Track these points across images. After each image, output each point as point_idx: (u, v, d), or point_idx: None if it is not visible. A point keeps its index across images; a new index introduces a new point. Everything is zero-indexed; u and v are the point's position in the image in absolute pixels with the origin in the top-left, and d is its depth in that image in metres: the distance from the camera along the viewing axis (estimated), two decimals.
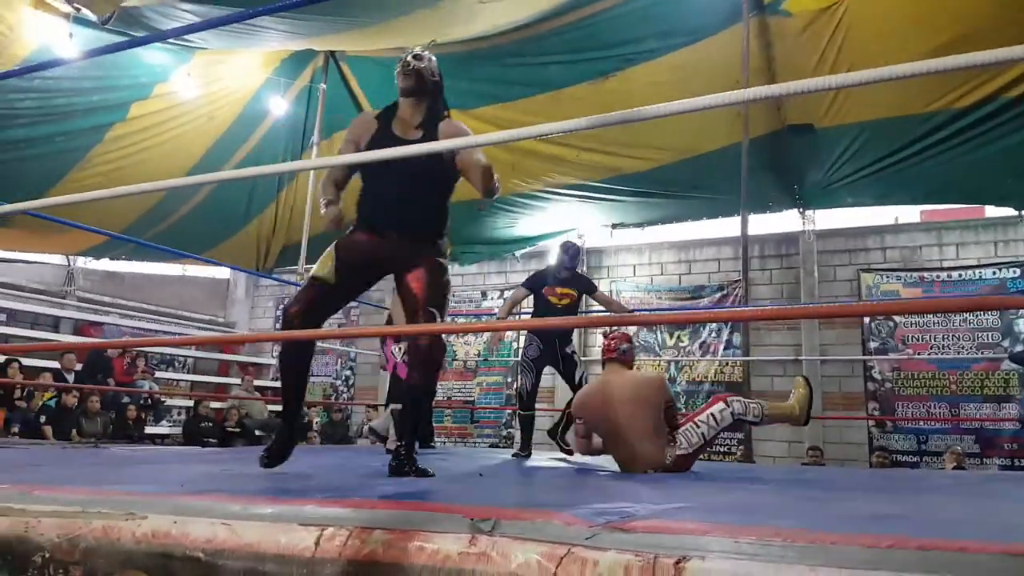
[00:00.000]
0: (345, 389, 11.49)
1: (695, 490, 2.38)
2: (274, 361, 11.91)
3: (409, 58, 2.68)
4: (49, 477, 2.27)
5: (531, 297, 4.68)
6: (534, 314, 4.77)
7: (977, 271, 7.99)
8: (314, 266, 2.60)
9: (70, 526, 1.59)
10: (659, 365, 8.97)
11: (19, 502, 1.66)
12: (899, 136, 6.18)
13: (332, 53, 7.16)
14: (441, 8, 5.44)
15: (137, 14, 5.27)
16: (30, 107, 6.09)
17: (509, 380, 10.01)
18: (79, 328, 9.84)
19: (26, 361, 7.42)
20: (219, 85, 7.02)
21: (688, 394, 8.71)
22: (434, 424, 6.61)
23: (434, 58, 2.76)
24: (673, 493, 2.24)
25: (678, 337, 8.96)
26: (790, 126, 6.58)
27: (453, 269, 10.66)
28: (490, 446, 9.83)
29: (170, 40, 5.83)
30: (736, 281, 8.25)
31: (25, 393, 7.11)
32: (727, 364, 8.49)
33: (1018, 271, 7.78)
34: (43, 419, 6.95)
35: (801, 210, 7.85)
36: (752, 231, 7.22)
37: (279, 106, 7.37)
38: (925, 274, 8.19)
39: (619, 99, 6.39)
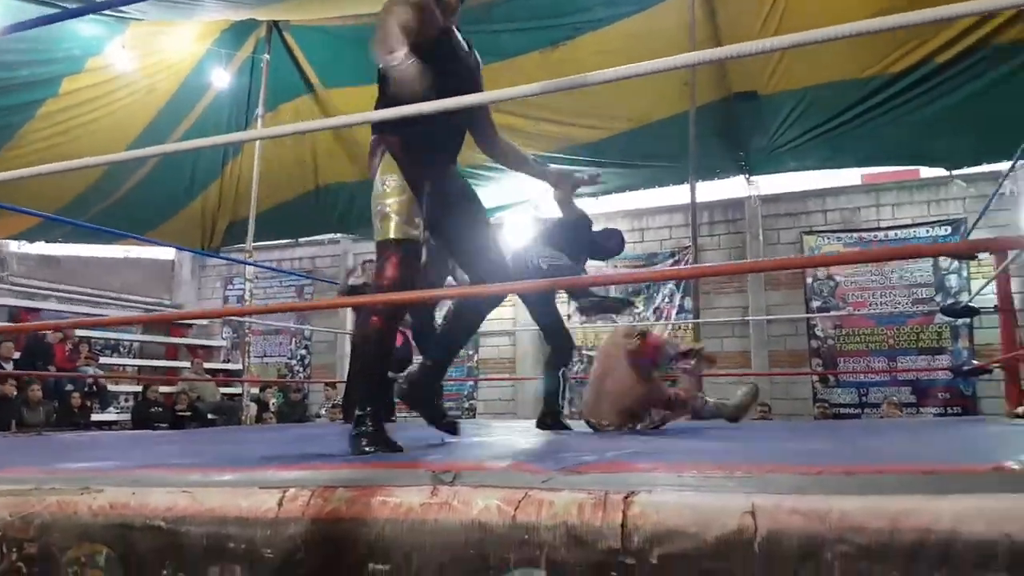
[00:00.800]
0: (301, 368, 11.40)
1: (647, 440, 2.48)
2: (224, 343, 11.73)
3: None
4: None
5: None
6: None
7: (912, 230, 8.33)
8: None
9: (23, 504, 1.56)
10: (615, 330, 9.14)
11: None
12: (838, 101, 6.35)
13: (275, 23, 6.98)
14: None
15: None
16: None
17: (470, 352, 10.07)
18: (15, 315, 9.50)
19: None
20: (157, 57, 6.79)
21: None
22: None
23: None
24: (627, 442, 2.34)
25: (633, 303, 9.13)
26: (736, 93, 6.70)
27: None
28: (456, 418, 9.91)
29: (103, 11, 5.61)
30: (687, 247, 8.43)
31: None
32: (679, 327, 8.71)
33: (949, 228, 8.13)
34: None
35: (747, 176, 8.03)
36: (701, 198, 7.35)
37: (221, 78, 7.17)
38: (864, 234, 8.50)
39: (570, 67, 6.36)
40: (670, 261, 8.97)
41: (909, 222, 8.37)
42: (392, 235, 2.17)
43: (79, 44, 6.14)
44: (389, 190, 2.20)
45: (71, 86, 6.43)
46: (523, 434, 3.46)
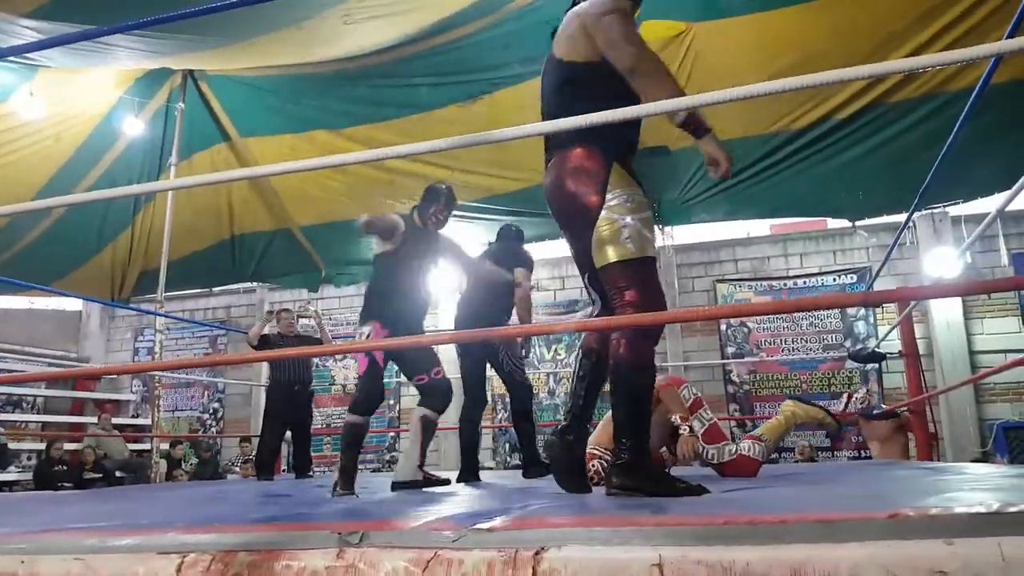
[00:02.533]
0: (214, 423, 10.94)
1: (559, 492, 2.48)
2: (134, 397, 11.17)
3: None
4: None
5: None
6: None
7: (819, 278, 8.79)
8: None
9: None
10: (538, 378, 9.18)
11: None
12: (745, 156, 6.68)
13: (191, 72, 6.88)
14: (305, 27, 5.38)
15: None
16: None
17: (391, 402, 9.90)
18: None
19: None
20: (66, 105, 6.56)
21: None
22: (312, 453, 6.43)
23: None
24: (542, 493, 2.33)
25: (555, 350, 9.23)
26: (647, 148, 6.97)
27: (329, 291, 10.43)
28: (373, 471, 9.66)
29: (10, 58, 5.40)
30: None
31: None
32: None
33: (855, 276, 8.62)
34: None
35: (661, 226, 8.31)
36: None
37: (133, 126, 6.98)
38: (774, 283, 8.91)
39: (487, 121, 6.56)
40: (589, 309, 9.12)
41: (816, 270, 8.83)
42: (650, 253, 2.14)
43: None
44: (634, 205, 2.17)
45: None
46: (439, 488, 3.42)
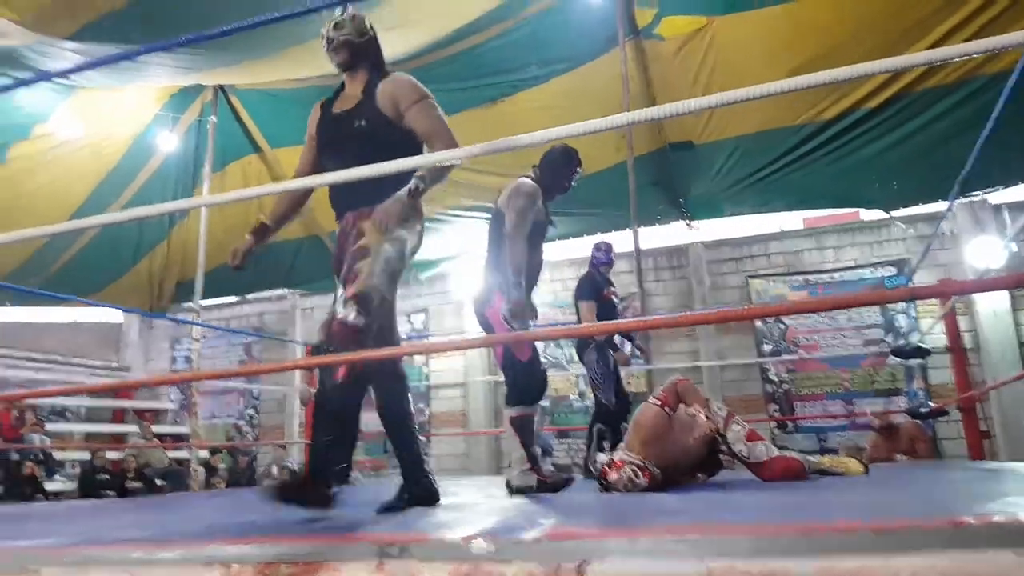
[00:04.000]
0: (250, 429, 11.09)
1: (601, 500, 2.46)
2: (172, 405, 11.38)
3: (330, 31, 2.53)
4: None
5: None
6: (599, 318, 4.70)
7: (856, 271, 8.60)
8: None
9: None
10: (569, 380, 9.15)
11: None
12: (772, 148, 6.59)
13: (221, 87, 7.00)
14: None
15: (15, 53, 5.02)
16: None
17: (421, 406, 9.93)
18: None
19: None
20: (104, 122, 6.73)
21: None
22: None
23: (357, 15, 2.59)
24: (581, 504, 2.31)
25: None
26: (671, 144, 6.91)
27: None
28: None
29: (51, 79, 5.56)
30: (633, 293, 8.56)
31: None
32: (631, 374, 8.75)
33: (894, 269, 8.43)
34: None
35: (688, 222, 8.22)
36: (645, 244, 7.52)
37: (168, 141, 7.12)
38: (809, 277, 8.75)
39: (509, 123, 6.56)
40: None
41: (853, 263, 8.64)
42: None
43: (25, 111, 6.06)
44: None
45: (17, 153, 6.32)
46: (478, 496, 3.40)
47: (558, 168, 3.56)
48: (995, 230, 7.94)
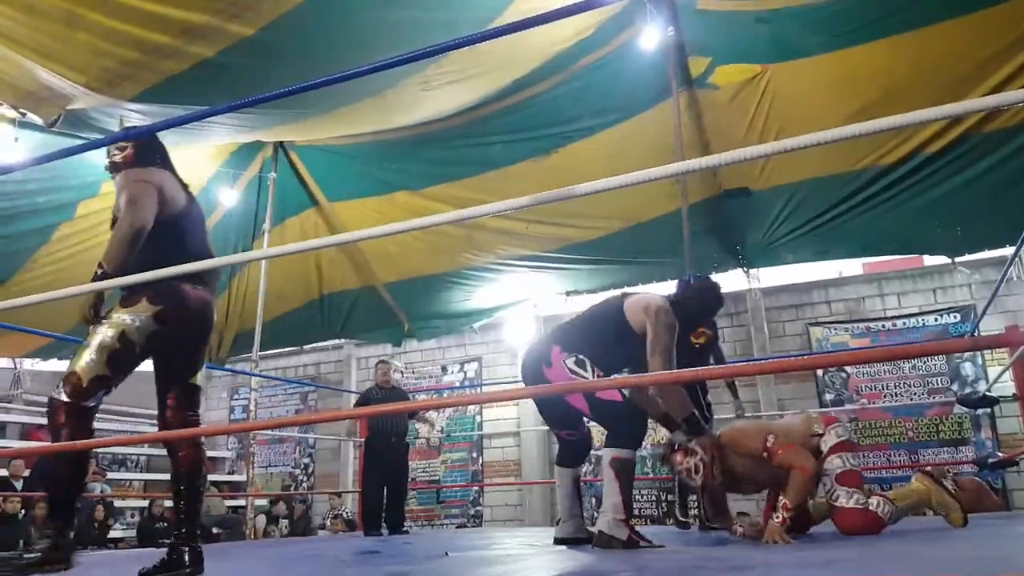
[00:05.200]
0: (305, 478, 11.17)
1: (656, 559, 2.37)
2: (229, 454, 11.59)
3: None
4: None
5: None
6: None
7: (919, 318, 8.29)
8: None
9: None
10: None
11: None
12: (831, 194, 6.48)
13: (281, 143, 7.29)
14: (386, 96, 5.62)
15: (84, 116, 5.31)
16: None
17: (474, 455, 9.87)
18: (27, 432, 9.45)
19: None
20: None
21: (654, 457, 8.71)
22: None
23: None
24: (655, 557, 2.23)
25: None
26: (727, 191, 6.86)
27: (412, 344, 10.61)
28: (457, 527, 9.60)
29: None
30: None
31: None
32: None
33: (958, 316, 8.10)
34: None
35: (745, 269, 8.09)
36: None
37: (230, 196, 7.41)
38: (871, 324, 8.47)
39: (562, 174, 6.62)
40: None
41: (916, 310, 8.35)
42: None
43: (94, 170, 6.36)
44: None
45: (86, 210, 6.63)
46: (538, 545, 3.32)
47: (707, 306, 3.57)
48: None
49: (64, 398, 2.45)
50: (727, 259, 7.76)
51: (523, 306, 9.05)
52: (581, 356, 3.21)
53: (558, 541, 3.36)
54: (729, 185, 6.84)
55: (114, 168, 2.85)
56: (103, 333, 2.54)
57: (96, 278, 2.43)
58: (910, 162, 6.09)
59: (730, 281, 8.77)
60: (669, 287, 7.33)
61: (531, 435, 9.36)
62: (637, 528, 3.08)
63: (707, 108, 6.32)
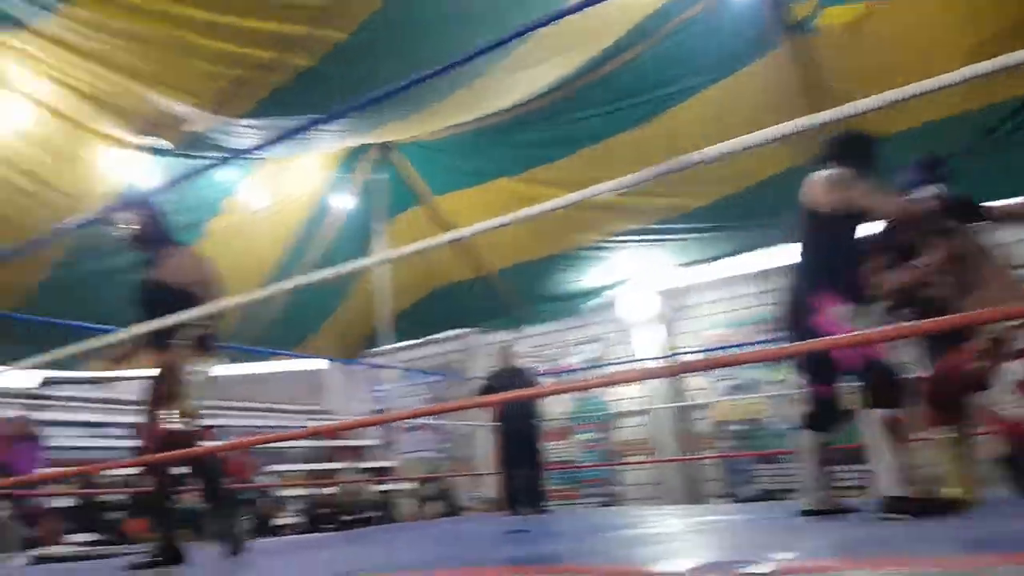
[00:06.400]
0: (445, 462, 11.57)
1: (837, 527, 2.23)
2: (375, 442, 12.20)
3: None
4: None
5: None
6: None
7: None
8: None
9: None
10: (763, 402, 8.56)
11: None
12: (971, 131, 5.83)
13: (385, 144, 7.52)
14: (477, 85, 5.63)
15: (203, 137, 5.72)
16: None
17: (605, 435, 9.80)
18: None
19: None
20: (284, 191, 7.43)
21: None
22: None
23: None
24: (816, 533, 2.10)
25: (778, 370, 8.53)
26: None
27: (534, 328, 10.51)
28: (598, 505, 9.58)
29: (243, 157, 6.24)
30: None
31: None
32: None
33: None
34: None
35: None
36: None
37: (343, 201, 7.75)
38: None
39: (665, 141, 6.37)
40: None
41: None
42: None
43: (215, 188, 6.84)
44: None
45: (214, 226, 7.13)
46: (691, 524, 3.24)
47: (867, 153, 3.46)
48: None
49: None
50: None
51: (639, 282, 8.84)
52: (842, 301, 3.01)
53: (806, 513, 3.10)
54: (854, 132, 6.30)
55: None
56: None
57: None
58: None
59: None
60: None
61: (662, 413, 9.15)
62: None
63: (816, 54, 5.85)
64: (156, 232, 3.55)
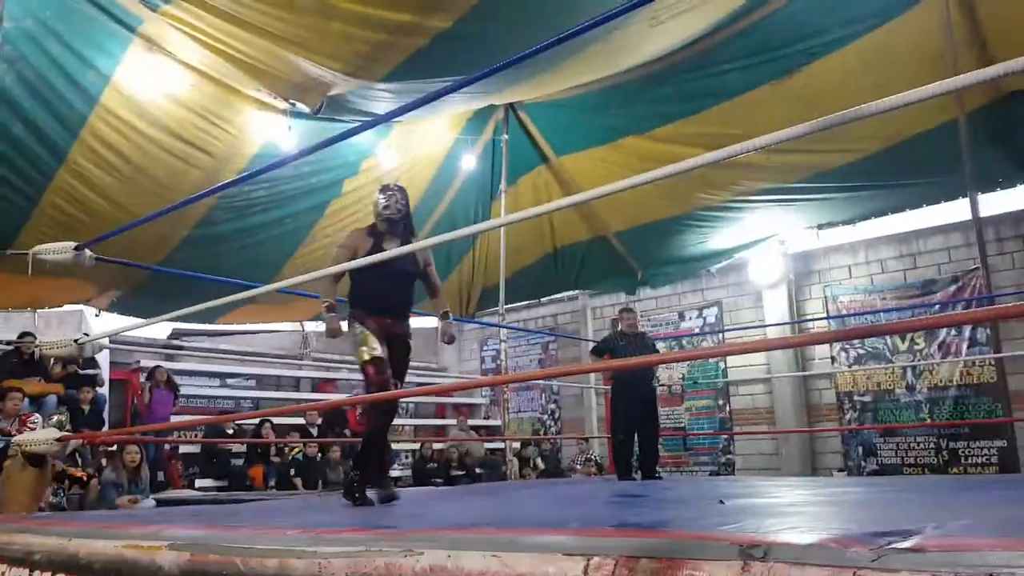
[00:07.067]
0: (552, 423, 11.69)
1: (978, 505, 2.13)
2: (484, 400, 12.48)
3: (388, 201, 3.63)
4: (328, 521, 2.52)
5: None
6: None
7: None
8: (370, 349, 3.47)
9: (356, 565, 1.74)
10: (893, 372, 8.16)
11: (311, 545, 1.85)
12: None
13: (511, 105, 7.51)
14: (612, 39, 5.50)
15: (342, 100, 5.88)
16: (262, 196, 6.90)
17: (720, 403, 9.62)
18: (316, 386, 10.94)
19: (276, 420, 8.37)
20: (414, 152, 7.59)
21: (931, 402, 7.84)
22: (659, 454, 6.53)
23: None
24: (956, 510, 2.01)
25: (912, 340, 8.10)
26: (1014, 92, 5.82)
27: (646, 292, 10.47)
28: (710, 474, 9.46)
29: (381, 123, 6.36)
30: (973, 270, 7.34)
31: (277, 449, 8.00)
32: (975, 364, 7.53)
33: None
34: (293, 471, 7.72)
35: None
36: (984, 212, 6.42)
37: (468, 162, 7.83)
38: None
39: (806, 96, 6.07)
40: (952, 288, 7.84)
41: None
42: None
43: (355, 150, 7.06)
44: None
45: (350, 186, 7.38)
46: (818, 496, 3.15)
47: None
48: None
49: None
50: (1015, 172, 6.64)
51: (768, 244, 8.52)
52: None
53: None
54: (1017, 86, 5.79)
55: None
56: None
57: None
58: None
59: (1020, 198, 7.50)
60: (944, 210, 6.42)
61: (783, 382, 8.86)
62: None
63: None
64: (408, 215, 3.77)
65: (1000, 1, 5.36)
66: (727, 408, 9.56)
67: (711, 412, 9.73)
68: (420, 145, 7.56)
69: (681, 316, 10.18)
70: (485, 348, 12.71)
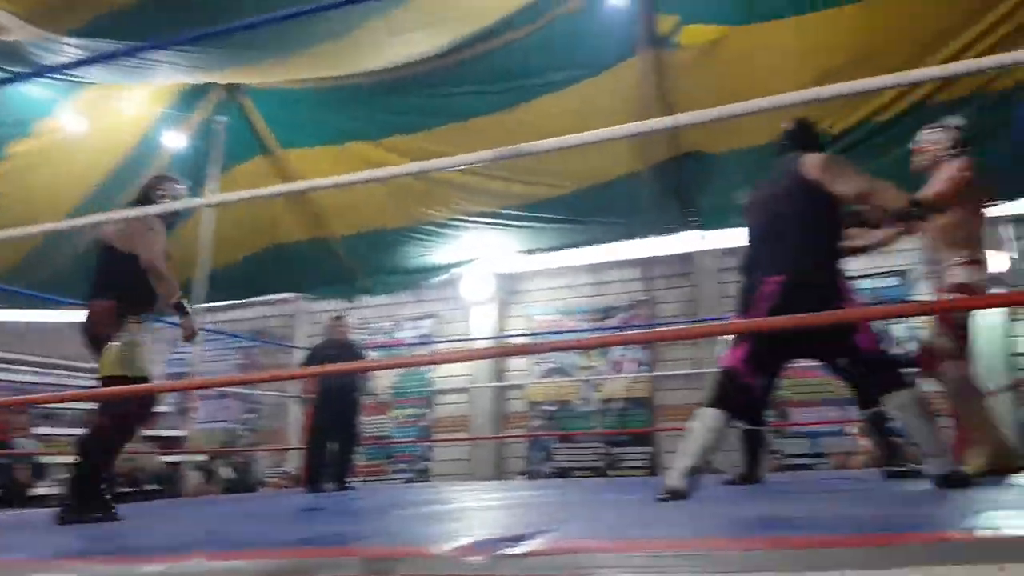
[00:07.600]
0: (247, 433, 10.98)
1: (588, 508, 2.41)
2: (168, 408, 11.26)
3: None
4: None
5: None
6: None
7: (859, 282, 8.59)
8: None
9: None
10: (575, 386, 9.13)
11: None
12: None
13: (233, 85, 6.95)
14: (346, 41, 5.41)
15: (16, 48, 4.95)
16: None
17: (425, 411, 9.88)
18: None
19: None
20: (109, 120, 6.64)
21: (602, 413, 8.95)
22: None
23: None
24: (569, 511, 2.24)
25: (590, 356, 9.18)
26: (686, 153, 6.91)
27: (366, 300, 10.33)
28: (406, 482, 9.65)
29: (52, 76, 5.48)
30: (643, 301, 8.56)
31: None
32: (635, 380, 8.78)
33: (897, 279, 8.43)
34: None
35: (701, 232, 8.19)
36: (654, 251, 7.49)
37: (175, 140, 7.06)
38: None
39: (525, 129, 6.51)
40: (627, 315, 9.11)
41: (856, 274, 8.62)
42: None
43: (25, 108, 5.97)
44: None
45: (16, 149, 6.21)
46: (478, 501, 3.32)
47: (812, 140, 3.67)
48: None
49: None
50: (682, 221, 7.86)
51: (481, 263, 9.02)
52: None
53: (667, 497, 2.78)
54: (688, 148, 6.89)
55: None
56: None
57: None
58: (859, 130, 6.21)
59: (684, 242, 8.90)
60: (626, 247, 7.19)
61: (483, 391, 9.42)
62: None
63: (671, 69, 6.31)
64: None
65: (683, 73, 6.31)
66: (429, 416, 9.87)
67: (414, 420, 9.96)
68: (117, 113, 6.64)
69: (398, 325, 10.29)
70: (174, 351, 11.53)
